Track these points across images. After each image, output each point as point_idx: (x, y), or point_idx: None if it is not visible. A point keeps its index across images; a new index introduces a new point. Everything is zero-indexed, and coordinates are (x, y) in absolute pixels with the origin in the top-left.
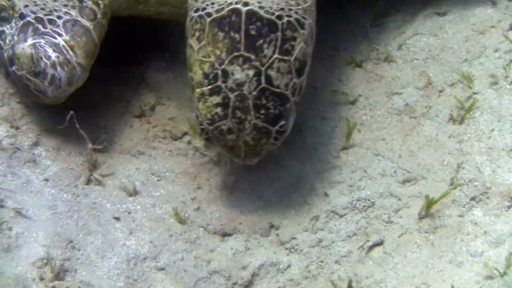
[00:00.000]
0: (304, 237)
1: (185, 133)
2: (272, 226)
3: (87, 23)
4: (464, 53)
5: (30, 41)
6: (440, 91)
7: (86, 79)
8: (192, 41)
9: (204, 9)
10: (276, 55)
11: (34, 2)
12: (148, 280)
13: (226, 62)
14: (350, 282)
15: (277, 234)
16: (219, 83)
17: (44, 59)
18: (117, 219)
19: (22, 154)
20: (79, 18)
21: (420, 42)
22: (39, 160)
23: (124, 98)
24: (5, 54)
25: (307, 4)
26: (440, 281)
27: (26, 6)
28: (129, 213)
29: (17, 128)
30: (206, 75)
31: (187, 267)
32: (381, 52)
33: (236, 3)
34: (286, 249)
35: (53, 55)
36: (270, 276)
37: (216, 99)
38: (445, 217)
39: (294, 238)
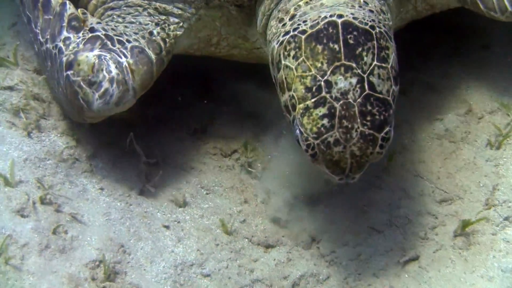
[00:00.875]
0: (344, 251)
1: (235, 151)
2: (313, 239)
3: (152, 55)
4: (504, 84)
5: (96, 52)
6: (480, 118)
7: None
8: (288, 61)
9: (296, 29)
10: (375, 62)
11: (106, 22)
12: (194, 285)
13: (328, 72)
14: None
15: (318, 247)
16: (323, 94)
17: (104, 72)
18: (167, 227)
19: (80, 165)
20: (146, 48)
21: (463, 72)
22: (96, 170)
23: (178, 117)
24: (64, 59)
25: (390, 24)
26: None
27: (98, 23)
28: (178, 222)
29: (77, 140)
30: (308, 89)
31: (231, 274)
32: (425, 81)
33: (331, 16)
34: (326, 261)
35: (114, 71)
36: (310, 286)
37: (322, 110)
38: (478, 235)
39: (334, 251)
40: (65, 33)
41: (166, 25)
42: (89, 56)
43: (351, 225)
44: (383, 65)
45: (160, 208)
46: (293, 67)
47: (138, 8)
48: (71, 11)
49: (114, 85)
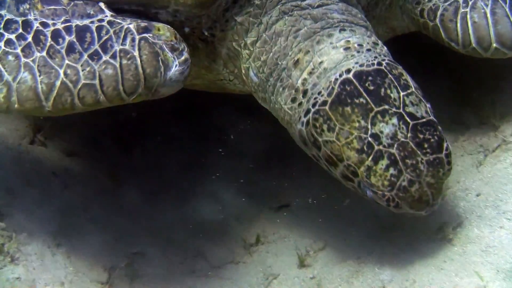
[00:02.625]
0: None
1: None
2: None
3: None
4: None
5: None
6: None
7: None
8: (325, 137)
9: (315, 104)
10: (402, 93)
11: None
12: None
13: (369, 126)
14: None
15: None
16: (376, 147)
17: (183, 44)
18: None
19: None
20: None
21: None
22: None
23: None
24: (130, 25)
25: (387, 50)
26: None
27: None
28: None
29: None
30: (360, 150)
31: None
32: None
33: (340, 75)
34: None
35: (186, 49)
36: None
37: (383, 162)
38: None
39: None
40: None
41: None
42: (167, 26)
43: None
44: (409, 91)
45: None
46: (334, 139)
47: None
48: None
49: (189, 58)
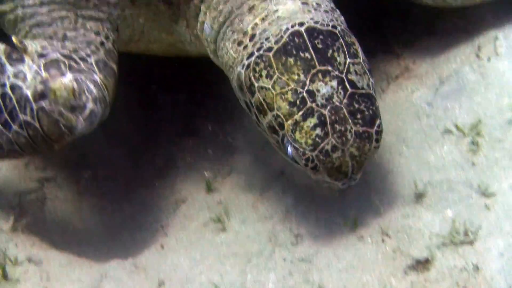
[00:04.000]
0: None
1: None
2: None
3: (114, 66)
4: None
5: (69, 75)
6: None
7: None
8: (261, 82)
9: (260, 48)
10: (348, 60)
11: (49, 43)
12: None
13: (308, 82)
14: None
15: None
16: (308, 104)
17: (87, 93)
18: None
19: None
20: (107, 60)
21: None
22: None
23: None
24: (29, 92)
25: (343, 19)
26: None
27: (43, 47)
28: None
29: None
30: (292, 103)
31: None
32: None
33: (292, 26)
34: None
35: (95, 90)
36: None
37: (312, 120)
38: None
39: None
40: (10, 69)
41: (106, 30)
42: (65, 81)
43: None
44: (356, 60)
45: None
46: (269, 86)
47: (67, 20)
48: (3, 47)
49: (98, 104)
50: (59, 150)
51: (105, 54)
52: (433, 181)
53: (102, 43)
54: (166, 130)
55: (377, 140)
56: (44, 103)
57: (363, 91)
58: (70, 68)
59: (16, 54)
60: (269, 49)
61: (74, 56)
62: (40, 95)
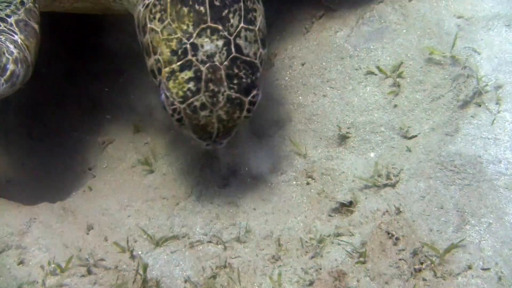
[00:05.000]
0: None
1: None
2: None
3: (35, 25)
4: None
5: None
6: None
7: None
8: (153, 24)
9: None
10: (242, 24)
11: None
12: None
13: (194, 35)
14: None
15: None
16: (189, 57)
17: (7, 54)
18: None
19: None
20: (28, 20)
21: None
22: None
23: None
24: None
25: None
26: None
27: None
28: None
29: None
30: (174, 52)
31: None
32: None
33: None
34: None
35: (15, 51)
36: None
37: (188, 73)
38: None
39: None
40: None
41: None
42: None
43: None
44: (250, 27)
45: None
46: (159, 30)
47: None
48: None
49: (19, 65)
50: None
51: (26, 13)
52: (356, 123)
53: (22, 2)
54: (92, 69)
55: (249, 110)
56: None
57: (247, 59)
58: None
59: None
60: None
61: None
62: None
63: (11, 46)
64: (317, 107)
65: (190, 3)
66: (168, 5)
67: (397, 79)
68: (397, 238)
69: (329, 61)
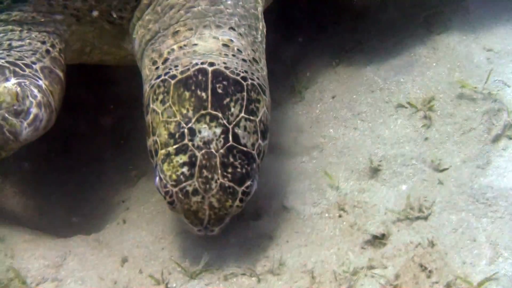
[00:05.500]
0: None
1: None
2: None
3: (60, 73)
4: None
5: (13, 80)
6: None
7: None
8: (155, 105)
9: (167, 73)
10: (242, 114)
11: None
12: None
13: (193, 120)
14: None
15: None
16: (185, 141)
17: (30, 98)
18: None
19: None
20: (52, 67)
21: None
22: None
23: None
24: None
25: (265, 73)
26: None
27: None
28: None
29: None
30: (172, 135)
31: None
32: None
33: (202, 63)
34: None
35: (39, 95)
36: None
37: (183, 158)
38: None
39: None
40: None
41: (52, 39)
42: (8, 85)
43: None
44: (251, 118)
45: None
46: (160, 111)
47: (12, 32)
48: None
49: (42, 109)
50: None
51: (51, 61)
52: (388, 156)
53: (47, 51)
54: (122, 105)
55: (242, 200)
56: None
57: (244, 149)
58: (15, 73)
59: None
60: (173, 76)
61: (19, 63)
62: None
63: (35, 90)
64: (348, 140)
65: (193, 88)
66: (171, 87)
67: (428, 112)
68: (430, 271)
69: (359, 94)
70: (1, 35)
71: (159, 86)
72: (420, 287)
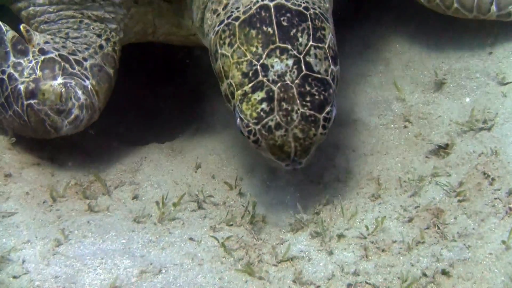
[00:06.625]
0: None
1: None
2: None
3: (110, 71)
4: None
5: (60, 79)
6: None
7: None
8: (224, 49)
9: (229, 16)
10: (311, 42)
11: (52, 39)
12: None
13: (264, 56)
14: None
15: None
16: (260, 78)
17: (74, 100)
18: None
19: None
20: (103, 65)
21: None
22: None
23: None
24: (22, 87)
25: (326, 5)
26: None
27: (46, 42)
28: None
29: None
30: (245, 74)
31: None
32: None
33: (263, 0)
34: None
35: (82, 97)
36: None
37: (260, 94)
38: None
39: None
40: (12, 58)
41: (108, 33)
42: (54, 85)
43: None
44: (320, 45)
45: None
46: (229, 54)
47: (73, 20)
48: (11, 34)
49: (84, 111)
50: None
51: (102, 58)
52: (452, 69)
53: (101, 46)
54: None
55: (324, 127)
56: (33, 101)
57: (319, 76)
58: (64, 70)
59: (22, 45)
60: (236, 18)
61: (71, 58)
62: (31, 93)
63: (79, 92)
64: (414, 54)
65: (258, 25)
66: (236, 29)
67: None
68: (493, 179)
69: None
70: (63, 21)
71: (224, 31)
72: (483, 194)
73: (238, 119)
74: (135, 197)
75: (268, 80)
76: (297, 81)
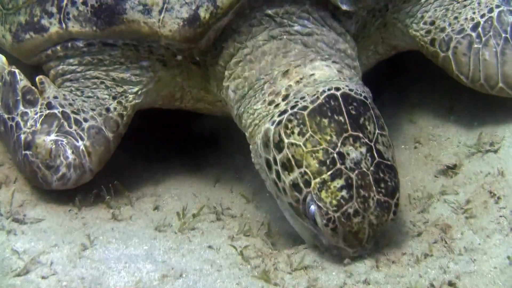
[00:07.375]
0: None
1: None
2: None
3: (109, 134)
4: None
5: (53, 136)
6: None
7: None
8: (293, 139)
9: (294, 106)
10: (378, 130)
11: (64, 95)
12: None
13: (339, 144)
14: None
15: None
16: (338, 165)
17: (62, 158)
18: None
19: None
20: (103, 128)
21: None
22: None
23: None
24: (22, 137)
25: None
26: None
27: (55, 97)
28: None
29: None
30: (322, 163)
31: None
32: None
33: (329, 89)
34: None
35: (71, 157)
36: None
37: (340, 182)
38: None
39: None
40: (21, 108)
41: (123, 97)
42: (46, 140)
43: None
44: (383, 133)
45: None
46: (301, 143)
47: (96, 80)
48: (23, 83)
49: (72, 170)
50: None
51: (104, 121)
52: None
53: (108, 110)
54: None
55: (395, 213)
56: (28, 153)
57: (388, 162)
58: (60, 128)
59: (31, 95)
60: (304, 108)
61: (72, 117)
62: (27, 144)
63: (69, 151)
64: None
65: (329, 114)
66: (306, 118)
67: None
68: (498, 197)
69: None
70: (86, 80)
71: (290, 120)
72: (489, 211)
73: (315, 207)
74: (156, 208)
75: (346, 167)
76: (372, 168)
